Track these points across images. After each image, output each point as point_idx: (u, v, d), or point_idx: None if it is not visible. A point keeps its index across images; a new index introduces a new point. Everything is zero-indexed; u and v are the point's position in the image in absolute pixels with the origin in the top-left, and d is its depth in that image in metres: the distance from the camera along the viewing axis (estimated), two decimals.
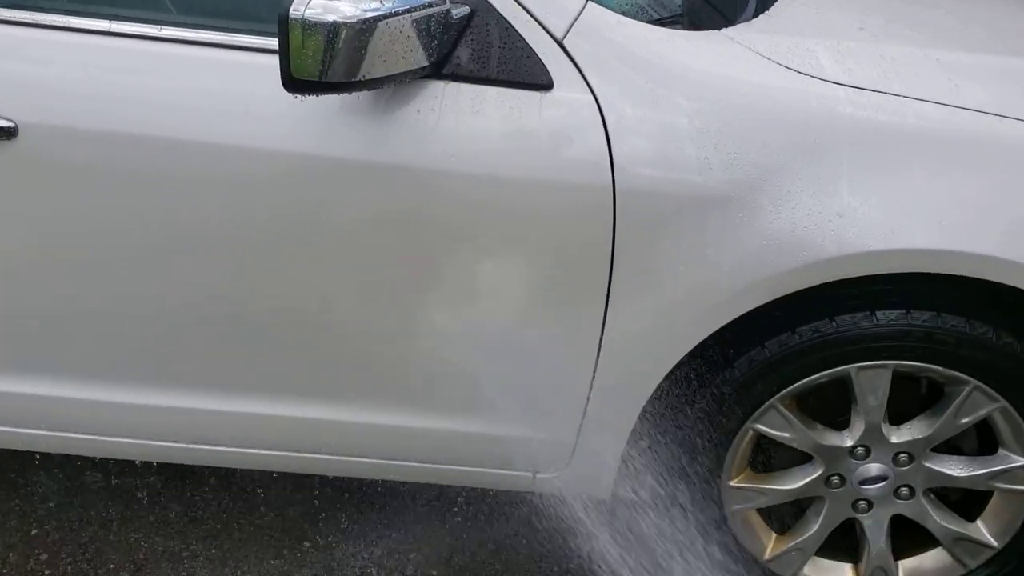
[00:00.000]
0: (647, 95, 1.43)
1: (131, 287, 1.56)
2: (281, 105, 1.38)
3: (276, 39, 1.27)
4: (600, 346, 1.55)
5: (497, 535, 2.00)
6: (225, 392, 1.64)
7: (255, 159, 1.44)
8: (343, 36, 1.26)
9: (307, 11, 1.24)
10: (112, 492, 2.06)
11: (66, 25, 1.46)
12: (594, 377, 1.57)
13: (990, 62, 1.63)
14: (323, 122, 1.43)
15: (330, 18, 1.25)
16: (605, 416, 1.61)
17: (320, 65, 1.27)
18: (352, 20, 1.26)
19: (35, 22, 1.45)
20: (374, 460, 1.72)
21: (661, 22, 1.58)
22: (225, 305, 1.56)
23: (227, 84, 1.45)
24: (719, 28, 1.57)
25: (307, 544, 1.98)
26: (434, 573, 1.92)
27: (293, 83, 1.28)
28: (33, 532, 1.96)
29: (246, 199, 1.48)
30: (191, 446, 1.71)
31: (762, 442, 1.69)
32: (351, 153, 1.43)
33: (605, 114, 1.42)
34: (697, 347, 1.53)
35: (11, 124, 1.44)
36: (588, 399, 1.60)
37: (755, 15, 1.65)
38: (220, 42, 1.45)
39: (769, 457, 1.81)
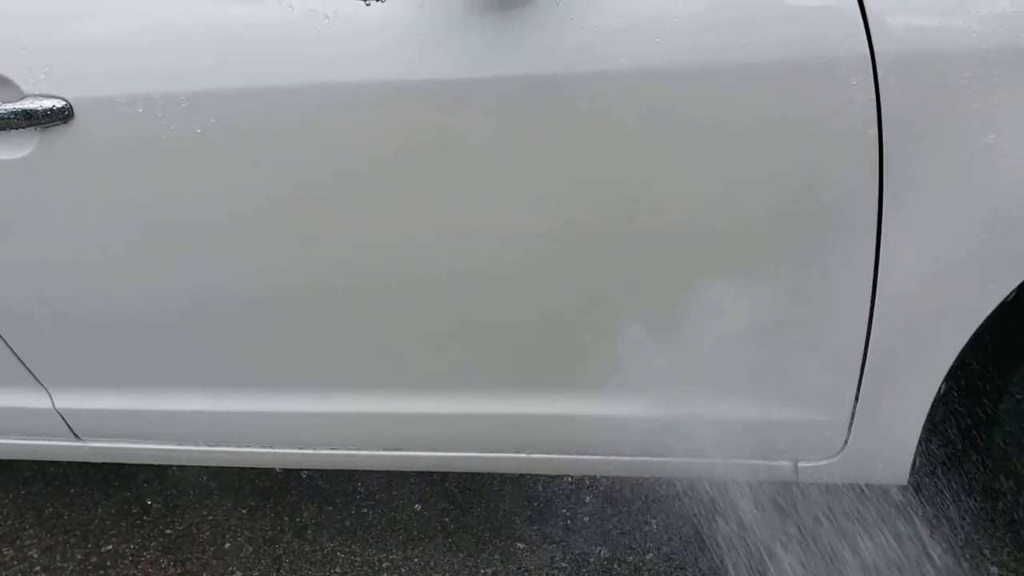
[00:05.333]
0: None
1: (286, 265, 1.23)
2: None
3: None
4: (875, 287, 1.07)
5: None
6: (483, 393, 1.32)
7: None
8: None
9: None
10: (305, 494, 1.83)
11: None
12: (869, 333, 1.10)
13: None
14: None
15: None
16: (893, 385, 1.14)
17: None
18: None
19: None
20: (626, 458, 1.35)
21: None
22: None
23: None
24: None
25: (521, 545, 1.65)
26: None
27: None
28: (227, 545, 1.76)
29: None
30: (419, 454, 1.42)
31: None
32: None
33: None
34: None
35: (63, 103, 1.13)
36: (864, 362, 1.13)
37: None
38: None
39: None
